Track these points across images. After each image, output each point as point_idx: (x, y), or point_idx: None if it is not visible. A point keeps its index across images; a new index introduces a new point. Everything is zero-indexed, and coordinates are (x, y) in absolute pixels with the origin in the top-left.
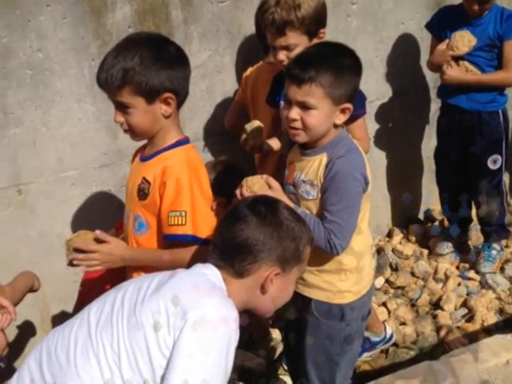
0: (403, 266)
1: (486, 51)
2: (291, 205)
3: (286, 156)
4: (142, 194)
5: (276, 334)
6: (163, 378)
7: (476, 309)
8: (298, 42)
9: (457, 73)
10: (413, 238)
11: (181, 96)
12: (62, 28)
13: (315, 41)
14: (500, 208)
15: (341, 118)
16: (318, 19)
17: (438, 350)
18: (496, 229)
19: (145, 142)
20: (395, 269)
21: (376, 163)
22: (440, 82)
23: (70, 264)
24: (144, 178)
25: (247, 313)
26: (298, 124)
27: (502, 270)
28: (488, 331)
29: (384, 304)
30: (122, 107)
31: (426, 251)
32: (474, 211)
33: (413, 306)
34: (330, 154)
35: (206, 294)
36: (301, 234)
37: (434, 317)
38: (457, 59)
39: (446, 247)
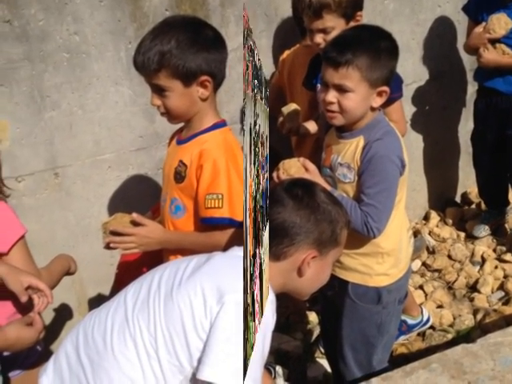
0: (440, 248)
1: None
2: (328, 188)
3: (323, 139)
4: (179, 176)
5: (313, 316)
6: (200, 360)
7: None
8: (334, 24)
9: (493, 56)
10: (450, 221)
11: (218, 79)
12: (98, 11)
13: (352, 24)
14: None
15: (377, 101)
16: (355, 2)
17: (475, 332)
18: None
19: (181, 124)
20: (432, 252)
21: (413, 146)
22: (477, 64)
23: (107, 247)
24: (181, 161)
25: (284, 296)
26: (335, 107)
27: None
28: None
29: (421, 287)
30: (158, 90)
31: (462, 234)
32: (511, 194)
33: (450, 288)
34: (367, 137)
35: (242, 276)
36: (338, 217)
37: (471, 300)
38: (493, 42)
39: (483, 230)
